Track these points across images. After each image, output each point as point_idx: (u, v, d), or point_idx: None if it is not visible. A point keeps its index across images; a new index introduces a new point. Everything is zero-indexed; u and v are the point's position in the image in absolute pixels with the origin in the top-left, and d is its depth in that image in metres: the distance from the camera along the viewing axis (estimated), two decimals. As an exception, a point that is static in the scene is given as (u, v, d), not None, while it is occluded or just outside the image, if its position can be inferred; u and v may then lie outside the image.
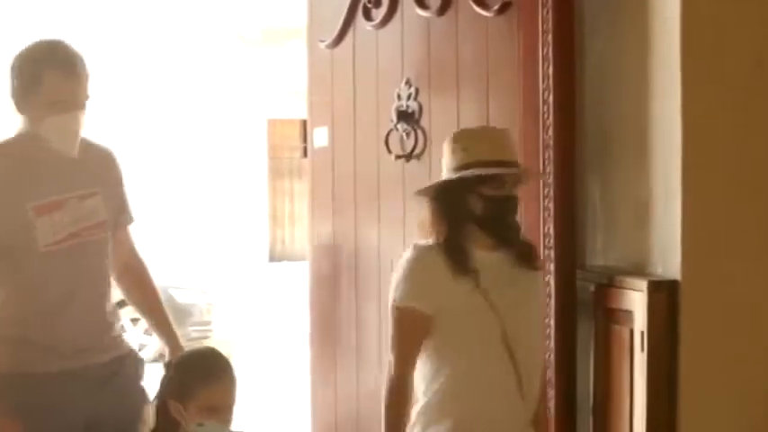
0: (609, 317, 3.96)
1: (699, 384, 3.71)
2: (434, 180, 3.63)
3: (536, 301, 3.66)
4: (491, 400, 3.50)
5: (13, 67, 3.78)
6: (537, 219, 4.06)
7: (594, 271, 4.08)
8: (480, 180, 3.47)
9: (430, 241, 3.54)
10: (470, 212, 3.50)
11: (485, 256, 3.52)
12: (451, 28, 4.59)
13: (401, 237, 4.78)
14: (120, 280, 4.07)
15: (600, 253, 4.13)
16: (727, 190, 3.74)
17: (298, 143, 16.59)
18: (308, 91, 5.76)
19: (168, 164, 15.91)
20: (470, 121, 4.41)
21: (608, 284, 3.94)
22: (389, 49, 4.94)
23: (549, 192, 4.05)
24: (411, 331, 3.49)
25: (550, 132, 4.03)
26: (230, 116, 16.40)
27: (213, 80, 16.22)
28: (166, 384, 3.60)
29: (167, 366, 3.66)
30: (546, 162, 4.04)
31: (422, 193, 3.60)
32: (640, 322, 3.73)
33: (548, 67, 4.06)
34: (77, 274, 3.81)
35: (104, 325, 3.91)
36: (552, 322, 4.02)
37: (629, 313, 3.79)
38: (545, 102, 4.05)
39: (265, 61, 16.23)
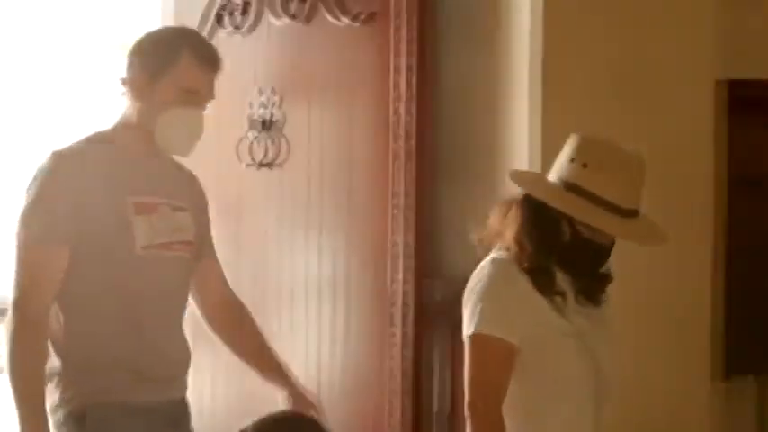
0: (458, 326, 3.98)
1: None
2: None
3: (610, 325, 2.99)
4: None
5: (139, 50, 3.19)
6: (385, 228, 4.08)
7: (446, 280, 4.11)
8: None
9: (503, 254, 2.86)
10: (559, 239, 2.81)
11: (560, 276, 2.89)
12: (316, 37, 4.59)
13: (264, 245, 4.78)
14: (214, 321, 3.40)
15: (457, 262, 4.17)
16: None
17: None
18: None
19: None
20: (333, 129, 4.43)
21: (455, 294, 3.96)
22: (253, 57, 4.92)
23: (398, 201, 4.07)
24: (501, 365, 2.79)
25: (401, 142, 4.06)
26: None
27: (90, 89, 15.98)
28: None
29: None
30: (396, 171, 4.07)
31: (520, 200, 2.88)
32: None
33: (401, 78, 4.09)
34: (169, 290, 3.22)
35: (187, 355, 3.29)
36: (399, 331, 4.05)
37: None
38: (396, 112, 4.08)
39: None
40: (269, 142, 4.75)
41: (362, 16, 4.30)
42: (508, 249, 2.82)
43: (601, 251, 2.82)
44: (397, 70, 4.09)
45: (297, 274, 4.62)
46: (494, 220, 2.88)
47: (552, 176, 2.83)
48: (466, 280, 3.96)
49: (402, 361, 4.07)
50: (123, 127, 3.19)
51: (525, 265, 2.79)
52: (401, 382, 4.07)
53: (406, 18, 4.09)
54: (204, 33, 4.71)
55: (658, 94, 3.94)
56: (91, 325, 3.07)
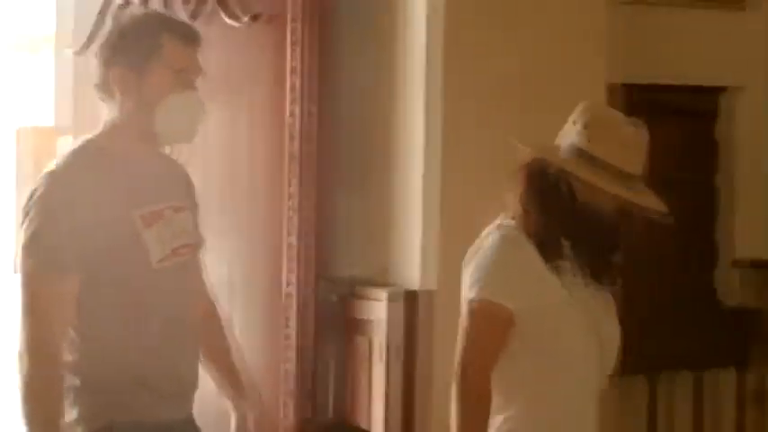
0: (352, 327, 4.01)
1: (436, 392, 3.77)
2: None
3: (610, 298, 2.91)
4: (585, 409, 2.84)
5: (113, 48, 2.95)
6: (280, 230, 4.08)
7: (341, 282, 4.12)
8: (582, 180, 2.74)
9: (508, 222, 2.79)
10: (559, 203, 2.75)
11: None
12: (212, 38, 4.51)
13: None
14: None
15: (348, 264, 4.19)
16: (466, 204, 3.85)
17: (53, 153, 16.10)
18: (54, 99, 5.64)
19: None
20: (229, 130, 4.40)
21: (351, 295, 3.98)
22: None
23: (294, 203, 4.07)
24: (497, 332, 2.73)
25: (297, 144, 4.06)
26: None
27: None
28: None
29: None
30: (291, 173, 4.07)
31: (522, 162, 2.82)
32: (381, 332, 3.79)
33: (297, 79, 4.09)
34: (182, 301, 3.00)
35: (198, 369, 3.11)
36: (294, 333, 4.04)
37: (370, 323, 3.85)
38: (292, 113, 4.08)
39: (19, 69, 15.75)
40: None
41: (259, 17, 4.28)
42: (513, 217, 2.76)
43: (604, 219, 2.74)
44: (293, 71, 4.08)
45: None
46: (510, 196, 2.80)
47: (563, 145, 2.76)
48: (363, 281, 3.99)
49: (297, 363, 4.06)
50: (113, 130, 2.95)
51: (530, 230, 2.72)
52: (295, 383, 4.06)
53: (302, 19, 4.08)
54: (95, 35, 4.66)
55: (554, 98, 3.99)
56: (109, 345, 2.87)
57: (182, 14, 4.59)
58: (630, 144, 2.71)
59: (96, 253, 2.82)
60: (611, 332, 2.82)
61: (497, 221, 2.79)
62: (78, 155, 2.93)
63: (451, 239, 3.81)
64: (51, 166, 2.90)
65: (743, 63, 4.81)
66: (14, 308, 2.89)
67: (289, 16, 4.09)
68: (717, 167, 4.87)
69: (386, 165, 4.03)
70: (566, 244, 2.73)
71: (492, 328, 2.71)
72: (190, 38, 2.99)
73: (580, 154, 2.69)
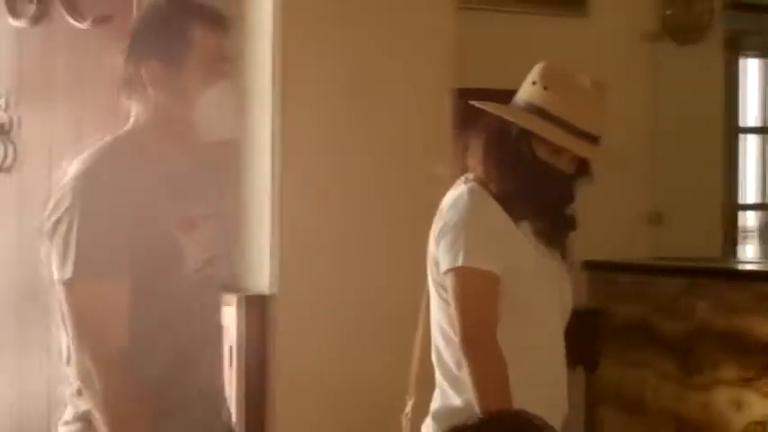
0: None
1: (290, 396, 3.77)
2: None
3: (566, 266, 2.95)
4: (555, 372, 2.88)
5: (140, 42, 2.65)
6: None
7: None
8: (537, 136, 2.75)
9: (471, 181, 2.80)
10: (519, 161, 2.76)
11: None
12: (46, 39, 4.47)
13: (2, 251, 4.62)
14: None
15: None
16: (316, 210, 3.85)
17: None
18: None
19: None
20: (71, 132, 4.32)
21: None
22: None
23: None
24: (493, 298, 2.72)
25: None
26: None
27: None
28: None
29: None
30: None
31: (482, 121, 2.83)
32: (231, 337, 3.76)
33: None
34: (211, 318, 2.75)
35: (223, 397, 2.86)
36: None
37: (228, 329, 3.81)
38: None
39: None
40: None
41: (101, 18, 4.22)
42: (476, 179, 2.77)
43: (562, 179, 2.77)
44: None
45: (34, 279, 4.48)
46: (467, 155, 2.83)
47: (519, 101, 2.79)
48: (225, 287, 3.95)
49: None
50: (144, 129, 2.64)
51: (494, 190, 2.74)
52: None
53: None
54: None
55: (398, 100, 4.04)
56: (138, 372, 2.54)
57: (21, 17, 4.51)
58: (590, 103, 2.74)
59: (134, 264, 2.54)
60: (568, 289, 2.88)
61: (462, 185, 2.78)
62: (109, 154, 2.62)
63: (294, 244, 3.81)
64: (79, 168, 2.58)
65: (583, 69, 4.90)
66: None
67: (132, 17, 4.02)
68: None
69: (236, 167, 4.00)
70: (526, 204, 2.75)
71: (487, 291, 2.70)
72: (221, 24, 2.70)
73: (541, 113, 2.72)
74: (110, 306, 2.52)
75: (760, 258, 5.81)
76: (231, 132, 2.76)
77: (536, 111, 2.73)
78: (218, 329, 2.79)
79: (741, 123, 6.44)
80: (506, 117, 2.74)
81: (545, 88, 2.74)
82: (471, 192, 2.75)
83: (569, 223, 2.85)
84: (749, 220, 6.38)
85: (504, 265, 2.71)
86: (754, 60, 6.63)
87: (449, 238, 2.73)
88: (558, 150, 2.72)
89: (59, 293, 2.54)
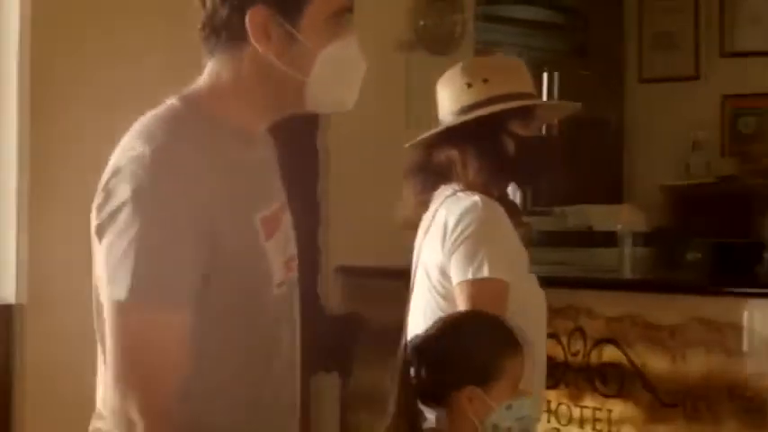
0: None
1: (35, 408, 3.70)
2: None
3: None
4: (540, 373, 2.89)
5: None
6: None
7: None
8: (511, 116, 2.84)
9: (477, 195, 2.81)
10: (505, 156, 2.84)
11: None
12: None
13: None
14: None
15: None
16: (66, 220, 3.78)
17: None
18: None
19: None
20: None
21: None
22: None
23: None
24: (504, 309, 2.70)
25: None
26: None
27: None
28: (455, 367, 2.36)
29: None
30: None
31: (443, 132, 2.88)
32: None
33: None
34: (293, 332, 2.15)
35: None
36: None
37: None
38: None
39: None
40: None
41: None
42: (471, 188, 2.81)
43: (544, 142, 2.97)
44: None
45: None
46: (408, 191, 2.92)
47: (461, 106, 2.86)
48: None
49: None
50: (229, 94, 2.01)
51: (495, 193, 2.81)
52: None
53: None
54: None
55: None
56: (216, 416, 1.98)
57: None
58: (515, 71, 2.91)
59: (215, 278, 1.92)
60: (541, 291, 2.96)
61: (468, 197, 2.79)
62: (182, 127, 1.96)
63: (43, 253, 3.74)
64: (138, 144, 1.91)
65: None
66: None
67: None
68: (319, 175, 5.02)
69: None
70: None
71: (501, 305, 2.70)
72: None
73: (490, 101, 2.82)
74: (175, 340, 1.87)
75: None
76: (350, 103, 2.10)
77: (487, 102, 2.82)
78: (297, 352, 2.16)
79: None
80: (485, 113, 2.81)
81: (485, 81, 2.85)
82: (483, 202, 2.78)
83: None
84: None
85: (512, 274, 2.77)
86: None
87: (465, 250, 2.74)
88: (527, 124, 2.86)
89: (107, 313, 1.90)
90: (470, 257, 2.73)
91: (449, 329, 2.43)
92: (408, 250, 5.30)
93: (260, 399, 2.02)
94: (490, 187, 2.83)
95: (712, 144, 6.91)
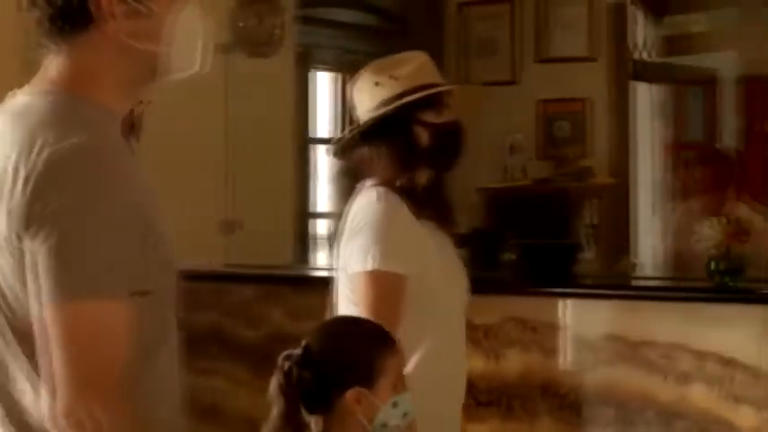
0: None
1: None
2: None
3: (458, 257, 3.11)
4: (459, 363, 3.02)
5: None
6: None
7: None
8: (421, 107, 2.93)
9: (380, 187, 2.90)
10: (418, 146, 2.94)
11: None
12: None
13: None
14: None
15: None
16: None
17: None
18: None
19: None
20: None
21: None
22: None
23: None
24: (399, 300, 2.78)
25: None
26: None
27: None
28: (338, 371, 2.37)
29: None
30: None
31: (357, 134, 2.96)
32: None
33: None
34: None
35: None
36: None
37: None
38: None
39: None
40: None
41: None
42: (383, 183, 2.89)
43: (457, 127, 2.99)
44: None
45: None
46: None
47: (372, 108, 2.94)
48: None
49: None
50: (89, 77, 1.99)
51: (399, 185, 2.88)
52: None
53: None
54: None
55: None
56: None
57: None
58: (421, 64, 2.99)
59: (146, 273, 1.95)
60: (464, 280, 3.03)
61: (370, 190, 2.88)
62: (83, 116, 1.96)
63: None
64: (51, 139, 1.87)
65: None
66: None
67: None
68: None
69: None
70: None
71: (393, 294, 2.77)
72: None
73: (398, 97, 2.91)
74: (124, 331, 1.87)
75: (330, 265, 5.98)
76: (206, 62, 2.09)
77: (397, 97, 2.91)
78: None
79: (312, 134, 6.65)
80: (394, 109, 2.89)
81: (392, 78, 2.95)
82: (381, 195, 2.87)
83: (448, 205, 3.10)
84: (321, 227, 6.57)
85: (413, 266, 2.81)
86: (325, 74, 6.86)
87: (359, 241, 2.82)
88: (440, 112, 2.94)
89: (50, 317, 1.84)
90: (362, 250, 2.81)
91: (325, 336, 2.44)
92: (227, 252, 5.28)
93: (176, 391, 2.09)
94: (398, 180, 2.90)
95: (529, 147, 7.05)
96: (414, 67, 2.98)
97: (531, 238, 4.71)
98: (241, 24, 5.37)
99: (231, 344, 4.96)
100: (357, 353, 2.40)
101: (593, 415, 4.05)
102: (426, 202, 2.94)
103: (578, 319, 4.10)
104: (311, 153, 6.63)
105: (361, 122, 2.97)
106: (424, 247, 2.89)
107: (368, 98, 2.98)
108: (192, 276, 4.79)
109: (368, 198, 2.89)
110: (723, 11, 7.07)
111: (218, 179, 5.27)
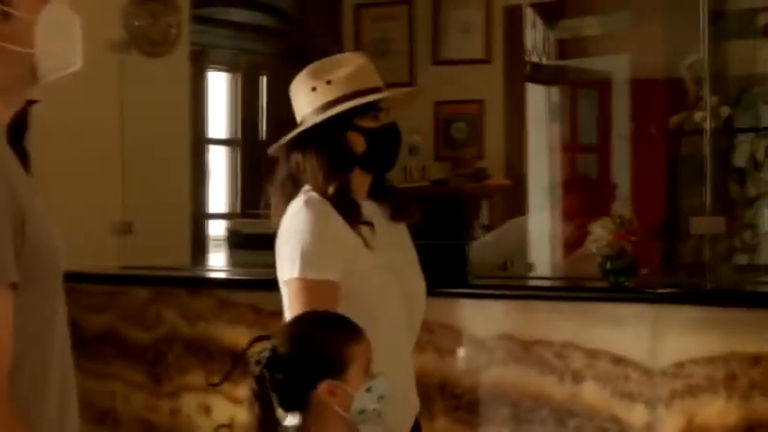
0: None
1: None
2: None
3: (415, 256, 3.10)
4: (401, 368, 2.96)
5: None
6: None
7: None
8: (357, 113, 2.90)
9: (310, 192, 2.90)
10: (353, 153, 2.92)
11: (364, 206, 2.96)
12: None
13: None
14: None
15: None
16: None
17: None
18: None
19: None
20: None
21: None
22: None
23: None
24: (329, 306, 2.74)
25: None
26: None
27: None
28: (306, 367, 2.45)
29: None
30: None
31: (289, 142, 2.94)
32: None
33: None
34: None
35: None
36: None
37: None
38: None
39: None
40: None
41: None
42: (315, 189, 2.87)
43: (393, 131, 2.96)
44: None
45: None
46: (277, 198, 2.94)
47: (308, 112, 2.92)
48: None
49: None
50: None
51: (330, 193, 2.85)
52: None
53: None
54: None
55: None
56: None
57: None
58: (359, 67, 2.94)
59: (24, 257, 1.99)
60: (417, 288, 3.01)
61: (301, 197, 2.88)
62: None
63: None
64: None
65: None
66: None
67: None
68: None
69: None
70: (367, 209, 2.91)
71: (321, 303, 2.73)
72: None
73: (332, 104, 2.89)
74: (6, 322, 1.91)
75: (226, 266, 5.97)
76: (78, 60, 2.10)
77: (339, 100, 2.89)
78: None
79: (209, 135, 6.62)
80: (320, 119, 2.87)
81: (328, 83, 2.92)
82: (308, 201, 2.86)
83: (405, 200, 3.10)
84: (217, 228, 6.55)
85: (343, 271, 2.81)
86: (221, 74, 6.83)
87: (286, 249, 2.84)
88: (376, 116, 2.92)
89: None
90: (289, 257, 2.83)
91: (290, 336, 2.51)
92: (122, 254, 5.23)
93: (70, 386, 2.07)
94: (331, 187, 2.88)
95: (427, 148, 7.09)
96: (350, 71, 2.94)
97: (427, 239, 4.73)
98: (136, 23, 5.32)
99: (125, 347, 4.92)
100: (324, 346, 2.47)
101: (488, 414, 4.08)
102: (357, 208, 2.91)
103: (473, 320, 4.13)
104: (207, 154, 6.60)
105: (297, 128, 2.95)
106: (352, 250, 2.87)
107: (304, 104, 2.96)
108: (87, 278, 4.84)
109: (297, 205, 2.89)
110: (615, 15, 7.18)
111: (112, 180, 5.22)
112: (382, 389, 2.47)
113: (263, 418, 2.41)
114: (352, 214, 2.88)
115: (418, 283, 3.05)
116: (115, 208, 5.26)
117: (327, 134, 2.90)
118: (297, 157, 2.93)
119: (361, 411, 2.44)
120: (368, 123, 2.92)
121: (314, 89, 2.93)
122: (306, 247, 2.81)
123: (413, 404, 3.01)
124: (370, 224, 2.90)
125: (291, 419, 2.47)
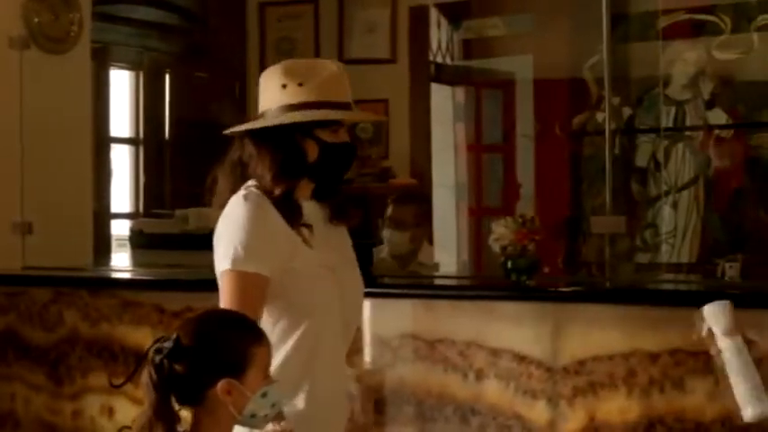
0: None
1: None
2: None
3: (353, 256, 3.12)
4: (334, 366, 2.99)
5: None
6: None
7: None
8: (319, 123, 2.92)
9: (252, 188, 2.92)
10: (306, 161, 2.94)
11: (305, 206, 2.97)
12: None
13: None
14: None
15: None
16: None
17: None
18: None
19: None
20: None
21: None
22: None
23: None
24: (257, 299, 2.82)
25: None
26: None
27: None
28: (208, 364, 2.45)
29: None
30: None
31: (246, 131, 2.95)
32: None
33: None
34: None
35: None
36: None
37: None
38: None
39: None
40: None
41: None
42: (258, 186, 2.89)
43: (348, 149, 2.98)
44: None
45: None
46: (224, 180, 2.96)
47: (271, 111, 2.93)
48: None
49: None
50: None
51: (275, 194, 2.87)
52: None
53: None
54: None
55: None
56: None
57: None
58: (333, 78, 2.94)
59: None
60: (354, 287, 3.04)
61: (242, 191, 2.89)
62: None
63: None
64: None
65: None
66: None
67: None
68: None
69: None
70: (309, 208, 2.93)
71: (251, 296, 2.80)
72: None
73: (297, 107, 2.90)
74: None
75: (129, 266, 5.91)
76: None
77: (305, 105, 2.90)
78: None
79: (111, 133, 6.55)
80: (286, 121, 2.88)
81: (300, 85, 2.92)
82: (245, 197, 2.88)
83: (347, 203, 3.09)
84: (121, 228, 6.48)
85: (278, 268, 2.84)
86: (124, 72, 6.76)
87: (221, 242, 2.87)
88: (336, 131, 2.94)
89: None
90: (224, 250, 2.86)
91: (195, 329, 2.50)
92: (23, 255, 5.16)
93: None
94: (277, 188, 2.90)
95: (332, 148, 7.07)
96: (323, 79, 2.94)
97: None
98: (36, 20, 5.25)
99: (26, 348, 4.86)
100: (226, 344, 2.47)
101: (393, 413, 4.10)
102: (299, 212, 2.92)
103: (377, 319, 4.14)
104: (110, 153, 6.53)
105: (258, 120, 2.97)
106: (288, 246, 2.88)
107: (270, 98, 2.97)
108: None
109: (236, 199, 2.91)
110: (520, 16, 7.25)
111: (12, 179, 5.15)
112: (276, 396, 2.48)
113: (159, 407, 2.39)
114: (293, 217, 2.91)
115: (356, 284, 3.08)
116: (14, 208, 5.19)
117: (285, 137, 2.93)
118: (251, 148, 2.95)
119: (253, 416, 2.45)
120: (326, 136, 2.94)
121: (284, 86, 2.94)
122: (240, 241, 2.84)
123: (347, 410, 3.07)
124: (309, 226, 2.92)
125: (186, 415, 2.47)
